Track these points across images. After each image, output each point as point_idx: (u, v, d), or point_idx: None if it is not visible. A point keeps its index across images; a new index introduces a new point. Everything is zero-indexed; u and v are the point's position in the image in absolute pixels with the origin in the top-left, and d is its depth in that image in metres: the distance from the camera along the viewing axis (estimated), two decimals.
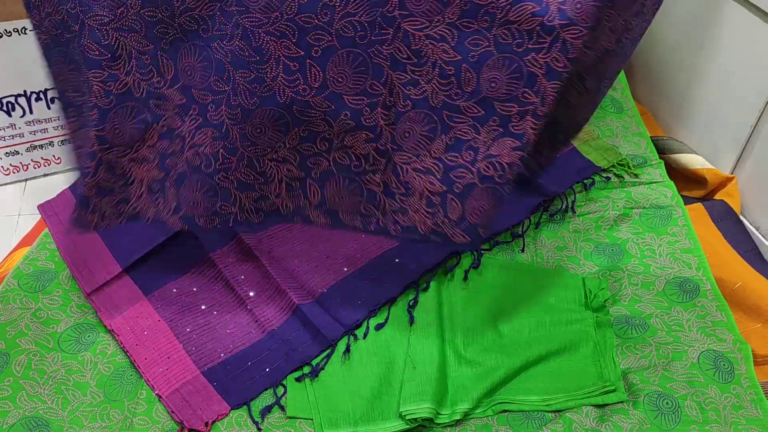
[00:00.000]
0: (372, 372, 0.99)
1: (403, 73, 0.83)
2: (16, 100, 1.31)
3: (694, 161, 1.34)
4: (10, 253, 1.16)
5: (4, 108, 1.30)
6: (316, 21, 0.79)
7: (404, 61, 0.83)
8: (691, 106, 1.40)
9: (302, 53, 0.81)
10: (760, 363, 1.03)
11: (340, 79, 0.83)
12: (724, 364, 1.00)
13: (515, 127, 0.83)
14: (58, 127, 1.36)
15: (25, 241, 1.18)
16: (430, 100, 0.84)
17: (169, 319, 1.04)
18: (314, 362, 1.01)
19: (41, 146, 1.35)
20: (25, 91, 1.31)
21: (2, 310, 1.03)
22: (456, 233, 0.88)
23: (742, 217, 1.27)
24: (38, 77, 1.31)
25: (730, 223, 1.24)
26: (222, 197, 0.90)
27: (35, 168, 1.36)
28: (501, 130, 0.84)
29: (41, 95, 1.32)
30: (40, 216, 1.24)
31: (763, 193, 1.25)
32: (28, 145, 1.34)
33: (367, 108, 0.84)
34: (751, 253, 1.20)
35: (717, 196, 1.30)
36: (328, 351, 1.02)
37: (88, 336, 1.03)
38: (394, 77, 0.83)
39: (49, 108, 1.34)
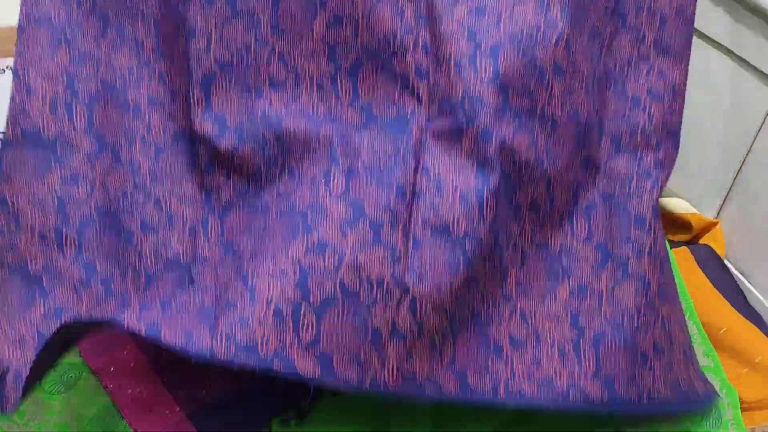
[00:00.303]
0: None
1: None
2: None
3: (678, 206, 1.36)
4: None
5: None
6: None
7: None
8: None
9: None
10: (747, 409, 1.03)
11: None
12: (711, 410, 1.00)
13: (634, 268, 0.85)
14: None
15: None
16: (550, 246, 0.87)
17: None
18: None
19: None
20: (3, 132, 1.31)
21: None
22: (595, 387, 0.81)
23: (726, 262, 1.28)
24: None
25: (715, 268, 1.25)
26: None
27: None
28: (620, 270, 0.85)
29: None
30: None
31: (746, 237, 1.27)
32: None
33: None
34: (736, 296, 1.21)
35: (702, 241, 1.32)
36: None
37: (70, 376, 1.01)
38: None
39: None
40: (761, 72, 1.17)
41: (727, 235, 1.31)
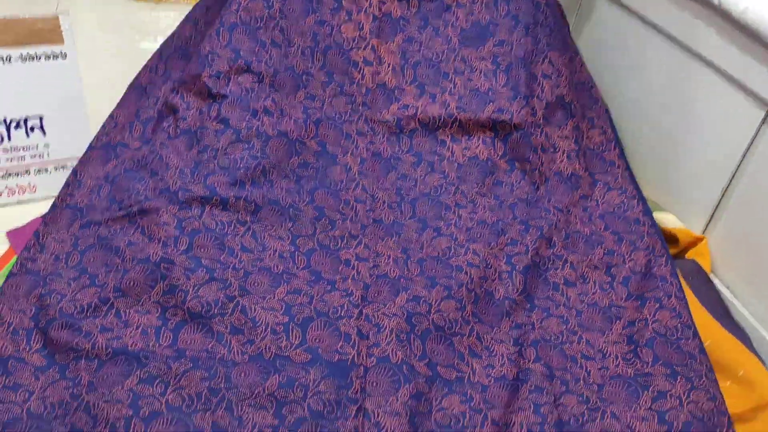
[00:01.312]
0: None
1: None
2: None
3: (666, 220, 1.37)
4: None
5: None
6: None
7: None
8: (664, 166, 1.44)
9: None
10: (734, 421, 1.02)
11: None
12: None
13: (698, 384, 1.03)
14: (35, 155, 1.35)
15: None
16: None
17: None
18: None
19: (17, 174, 1.34)
20: (4, 119, 1.30)
21: None
22: None
23: (712, 277, 1.29)
24: (18, 105, 1.31)
25: (700, 282, 1.25)
26: None
27: (9, 195, 1.34)
28: (689, 385, 1.03)
29: (21, 123, 1.32)
30: (8, 244, 1.22)
31: (732, 253, 1.27)
32: (3, 172, 1.33)
33: None
34: (721, 311, 1.22)
35: (688, 255, 1.32)
36: None
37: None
38: None
39: (27, 136, 1.33)
40: (750, 90, 1.19)
41: (713, 251, 1.31)
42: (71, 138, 1.36)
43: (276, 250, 1.17)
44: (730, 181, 1.27)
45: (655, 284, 1.17)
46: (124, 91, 1.45)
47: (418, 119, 1.39)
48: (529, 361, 1.03)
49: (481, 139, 1.39)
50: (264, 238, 1.18)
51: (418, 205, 1.30)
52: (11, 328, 1.00)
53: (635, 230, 1.29)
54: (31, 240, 1.15)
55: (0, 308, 1.03)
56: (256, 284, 1.10)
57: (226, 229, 1.17)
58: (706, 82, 1.29)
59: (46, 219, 1.20)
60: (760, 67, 1.16)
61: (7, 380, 0.95)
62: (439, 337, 1.06)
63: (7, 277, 1.08)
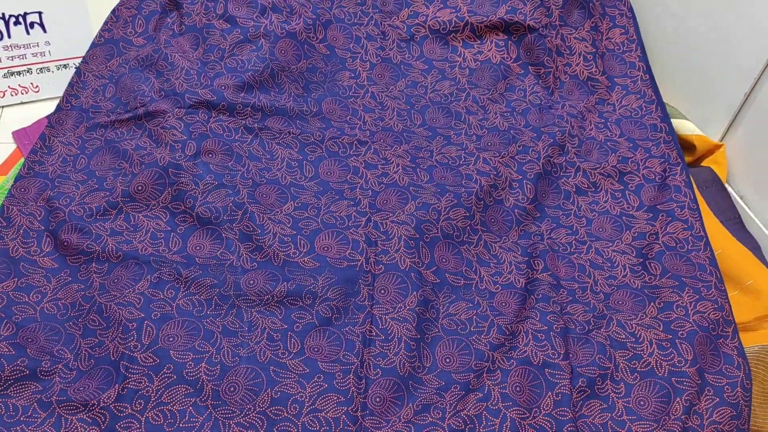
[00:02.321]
0: None
1: None
2: None
3: (683, 127, 1.33)
4: None
5: None
6: None
7: None
8: (684, 70, 1.38)
9: None
10: (739, 330, 1.04)
11: None
12: None
13: (706, 295, 1.02)
14: (36, 54, 1.31)
15: (1, 170, 1.15)
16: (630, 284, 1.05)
17: None
18: None
19: (18, 73, 1.31)
20: (3, 14, 1.26)
21: None
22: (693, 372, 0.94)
23: (727, 185, 1.27)
24: (18, 0, 1.26)
25: (714, 191, 1.24)
26: None
27: (12, 95, 1.32)
28: (696, 296, 1.02)
29: (20, 19, 1.27)
30: (15, 144, 1.21)
31: (750, 161, 1.25)
32: (5, 71, 1.30)
33: None
34: (733, 221, 1.21)
35: (704, 163, 1.30)
36: None
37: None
38: None
39: (27, 33, 1.29)
40: None
41: (730, 159, 1.29)
42: (72, 35, 1.32)
43: (284, 159, 1.15)
44: (754, 85, 1.22)
45: (669, 195, 1.15)
46: None
47: (429, 26, 1.33)
48: (537, 271, 1.04)
49: (493, 42, 1.34)
50: (272, 146, 1.17)
51: (428, 113, 1.27)
52: (21, 231, 1.01)
53: (652, 137, 1.26)
54: (37, 142, 1.14)
55: (10, 210, 1.03)
56: (264, 196, 1.09)
57: (233, 135, 1.15)
58: None
59: (51, 121, 1.18)
60: None
61: (20, 281, 0.97)
62: (448, 245, 1.06)
63: (16, 180, 1.08)
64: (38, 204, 1.05)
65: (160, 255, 1.00)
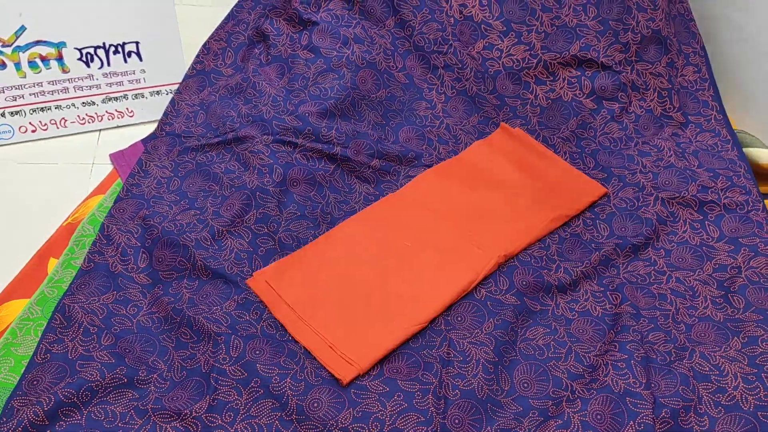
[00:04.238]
0: None
1: None
2: (95, 52, 1.34)
3: (765, 156, 1.31)
4: (84, 200, 1.20)
5: (83, 58, 1.34)
6: None
7: None
8: (765, 99, 1.37)
9: None
10: None
11: None
12: None
13: None
14: (132, 81, 1.39)
15: (99, 189, 1.22)
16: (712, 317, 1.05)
17: None
18: None
19: (116, 99, 1.39)
20: (103, 44, 1.35)
21: (78, 254, 1.08)
22: None
23: None
24: (117, 30, 1.34)
25: None
26: None
27: (109, 119, 1.40)
28: None
29: (119, 48, 1.36)
30: (112, 166, 1.29)
31: None
32: (104, 96, 1.38)
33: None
34: None
35: None
36: None
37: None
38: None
39: (125, 62, 1.37)
40: None
41: None
42: (166, 64, 1.40)
43: (361, 194, 1.20)
44: None
45: (751, 229, 1.14)
46: (215, 16, 1.47)
47: (503, 63, 1.36)
48: (615, 305, 1.04)
49: (566, 80, 1.35)
50: (351, 178, 1.21)
51: None
52: (120, 249, 1.08)
53: (731, 168, 1.25)
54: (135, 167, 1.21)
55: (110, 229, 1.10)
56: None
57: (317, 165, 1.20)
58: None
59: (148, 147, 1.25)
60: None
61: (119, 295, 1.03)
62: (526, 270, 1.08)
63: (115, 202, 1.15)
64: (135, 222, 1.11)
65: (245, 275, 1.05)
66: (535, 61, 1.36)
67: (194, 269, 1.05)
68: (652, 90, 1.36)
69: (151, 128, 1.35)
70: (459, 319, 1.01)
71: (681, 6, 1.43)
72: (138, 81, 1.40)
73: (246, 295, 1.03)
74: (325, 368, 0.95)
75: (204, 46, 1.41)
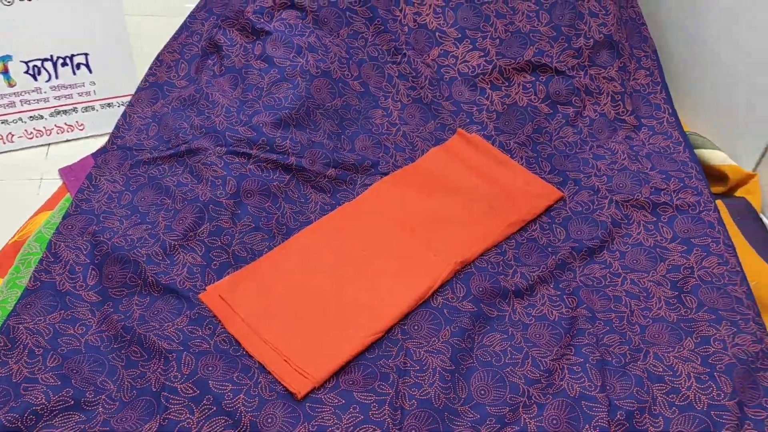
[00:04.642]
0: None
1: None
2: (42, 65, 1.32)
3: (716, 157, 1.33)
4: (31, 217, 1.17)
5: (30, 72, 1.31)
6: None
7: None
8: (717, 102, 1.39)
9: None
10: None
11: None
12: None
13: (744, 328, 1.01)
14: (82, 93, 1.36)
15: (47, 206, 1.20)
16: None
17: None
18: None
19: (65, 112, 1.36)
20: (51, 56, 1.32)
21: (24, 273, 1.05)
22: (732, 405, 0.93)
23: (761, 215, 1.26)
24: (66, 42, 1.32)
25: (749, 221, 1.23)
26: None
27: (58, 133, 1.37)
28: (734, 329, 1.01)
29: (67, 61, 1.33)
30: (61, 181, 1.26)
31: None
32: (52, 110, 1.35)
33: None
34: None
35: (738, 193, 1.30)
36: None
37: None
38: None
39: (74, 74, 1.35)
40: None
41: (764, 188, 1.28)
42: (117, 76, 1.38)
43: (317, 203, 1.19)
44: None
45: (703, 230, 1.15)
46: (166, 25, 1.45)
47: (458, 69, 1.36)
48: (571, 309, 1.04)
49: (521, 85, 1.36)
50: (306, 188, 1.20)
51: None
52: (68, 266, 1.05)
53: (683, 169, 1.26)
54: (84, 182, 1.18)
55: (58, 246, 1.07)
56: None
57: (271, 175, 1.19)
58: (764, 6, 1.23)
59: (98, 161, 1.22)
60: None
61: (66, 314, 1.00)
62: (483, 276, 1.08)
63: (64, 218, 1.12)
64: (84, 238, 1.09)
65: (197, 290, 1.03)
66: (490, 67, 1.37)
67: (145, 285, 1.03)
68: (605, 94, 1.37)
69: (103, 141, 1.33)
70: (416, 327, 1.01)
71: (632, 11, 1.45)
72: (88, 93, 1.37)
73: (199, 310, 1.01)
74: (279, 382, 0.93)
75: (157, 58, 1.39)
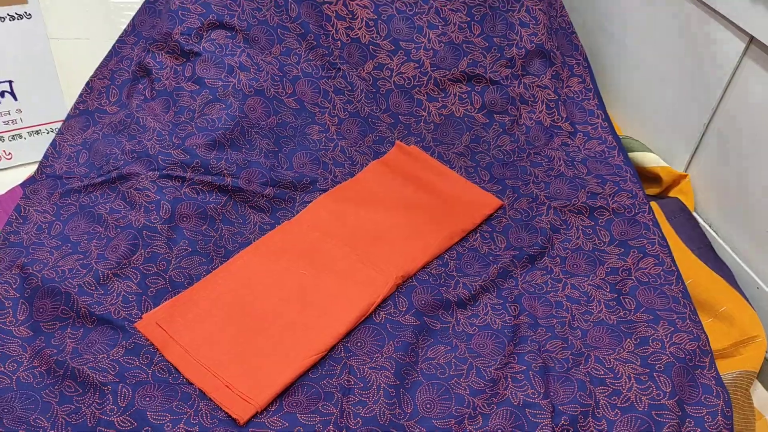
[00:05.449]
0: None
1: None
2: None
3: (648, 159, 1.36)
4: None
5: None
6: None
7: None
8: (647, 105, 1.42)
9: None
10: (716, 357, 1.05)
11: None
12: None
13: (681, 327, 1.03)
14: (8, 122, 1.32)
15: None
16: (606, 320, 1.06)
17: None
18: None
19: None
20: None
21: None
22: (672, 404, 0.93)
23: (695, 214, 1.29)
24: None
25: (683, 220, 1.26)
26: None
27: None
28: (672, 328, 1.02)
29: None
30: None
31: (715, 190, 1.28)
32: None
33: None
34: (704, 249, 1.23)
35: (671, 194, 1.33)
36: None
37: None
38: None
39: None
40: (731, 21, 1.17)
41: (696, 188, 1.32)
42: (44, 102, 1.34)
43: (256, 224, 1.17)
44: (712, 116, 1.26)
45: (639, 231, 1.18)
46: (94, 48, 1.42)
47: (393, 81, 1.36)
48: (513, 317, 1.04)
49: (457, 96, 1.37)
50: (244, 209, 1.18)
51: None
52: None
53: (618, 173, 1.29)
54: (12, 214, 1.14)
55: None
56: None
57: (207, 198, 1.16)
58: (688, 14, 1.26)
59: (27, 191, 1.18)
60: None
61: None
62: (425, 289, 1.07)
63: None
64: (12, 272, 1.05)
65: (133, 319, 1.00)
66: (425, 78, 1.37)
67: (78, 317, 1.00)
68: (540, 102, 1.39)
69: (31, 170, 1.28)
70: (359, 344, 0.99)
71: (562, 20, 1.48)
72: (14, 122, 1.33)
73: (135, 339, 0.98)
74: (221, 409, 0.91)
75: (87, 84, 1.35)
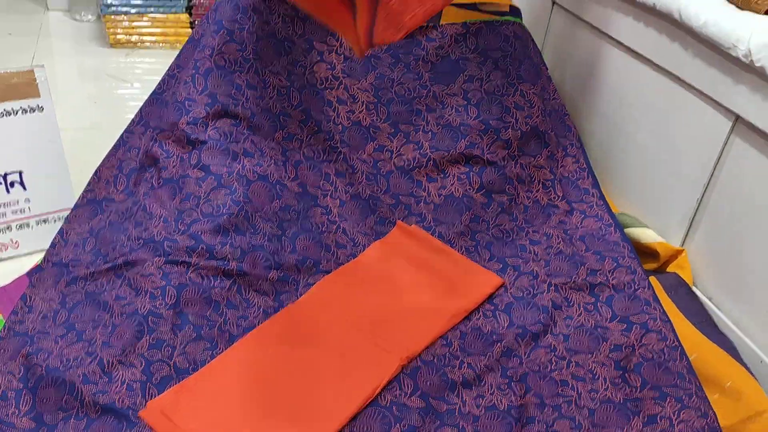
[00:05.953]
0: None
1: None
2: None
3: (645, 235, 1.39)
4: None
5: None
6: None
7: None
8: (642, 183, 1.46)
9: None
10: None
11: None
12: None
13: (689, 403, 1.04)
14: (16, 211, 1.35)
15: None
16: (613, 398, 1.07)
17: None
18: None
19: None
20: None
21: None
22: None
23: (694, 288, 1.30)
24: None
25: (682, 294, 1.27)
26: None
27: None
28: (679, 405, 1.03)
29: (0, 180, 1.32)
30: None
31: (712, 263, 1.29)
32: None
33: None
34: (706, 323, 1.23)
35: (669, 269, 1.34)
36: None
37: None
38: None
39: (8, 192, 1.33)
40: (717, 102, 1.21)
41: (693, 263, 1.33)
42: (52, 191, 1.37)
43: (260, 307, 1.18)
44: (704, 191, 1.29)
45: (640, 307, 1.19)
46: (102, 137, 1.46)
47: (393, 162, 1.41)
48: (519, 396, 1.04)
49: (456, 177, 1.41)
50: (249, 293, 1.20)
51: None
52: (0, 392, 1.00)
53: (616, 249, 1.31)
54: (18, 303, 1.15)
55: None
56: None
57: (212, 282, 1.18)
58: (675, 95, 1.32)
59: (33, 280, 1.20)
60: (724, 78, 1.19)
61: None
62: (430, 370, 1.07)
63: None
64: (17, 362, 1.05)
65: (137, 408, 0.99)
66: (425, 159, 1.41)
67: (82, 407, 0.99)
68: (536, 181, 1.43)
69: (38, 258, 1.30)
70: (365, 429, 0.99)
71: (555, 102, 1.53)
72: (22, 211, 1.35)
73: (139, 429, 0.97)
74: None
75: (95, 174, 1.39)
